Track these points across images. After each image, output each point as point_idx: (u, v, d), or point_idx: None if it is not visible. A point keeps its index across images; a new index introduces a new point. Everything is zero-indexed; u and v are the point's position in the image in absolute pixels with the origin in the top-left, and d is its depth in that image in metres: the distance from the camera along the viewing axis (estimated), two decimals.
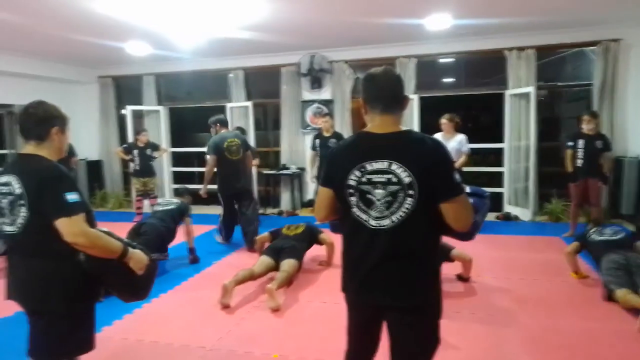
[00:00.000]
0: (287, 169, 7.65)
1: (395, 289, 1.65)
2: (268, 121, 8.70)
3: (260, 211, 6.98)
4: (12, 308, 1.95)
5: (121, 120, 8.51)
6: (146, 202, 7.23)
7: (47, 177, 1.76)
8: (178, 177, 8.70)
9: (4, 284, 1.92)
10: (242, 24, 5.45)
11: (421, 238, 1.63)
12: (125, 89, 8.84)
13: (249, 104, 7.83)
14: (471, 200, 1.71)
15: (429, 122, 6.57)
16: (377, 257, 1.63)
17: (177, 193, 5.31)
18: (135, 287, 2.00)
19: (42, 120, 1.86)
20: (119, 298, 2.05)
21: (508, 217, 6.80)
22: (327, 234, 4.32)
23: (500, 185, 7.11)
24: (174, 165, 8.68)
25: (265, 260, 4.07)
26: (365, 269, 1.67)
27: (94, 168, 8.63)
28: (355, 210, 1.66)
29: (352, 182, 1.64)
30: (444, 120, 5.88)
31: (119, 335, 3.15)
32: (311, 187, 7.53)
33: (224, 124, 5.53)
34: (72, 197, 1.72)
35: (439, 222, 1.62)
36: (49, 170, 1.79)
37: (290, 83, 7.68)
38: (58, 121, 1.90)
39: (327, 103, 7.57)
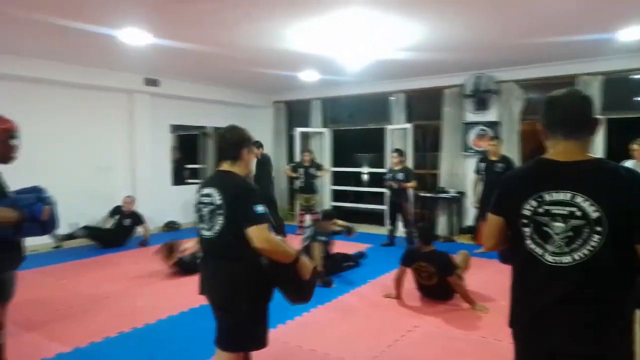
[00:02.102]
0: (446, 192, 7.43)
1: (575, 333, 1.47)
2: (427, 143, 8.62)
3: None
4: (198, 301, 2.27)
5: (290, 140, 9.32)
6: (307, 217, 7.76)
7: (241, 191, 2.06)
8: (337, 196, 9.15)
9: (198, 281, 2.25)
10: (403, 45, 5.49)
11: (609, 279, 1.44)
12: (295, 112, 9.66)
13: (409, 126, 7.88)
14: None
15: (616, 148, 5.72)
16: (555, 297, 1.48)
17: (323, 215, 5.55)
18: (302, 290, 2.22)
19: (235, 143, 2.18)
20: (288, 299, 2.26)
21: None
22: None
23: None
24: (334, 184, 9.15)
25: None
26: (539, 307, 1.53)
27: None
28: (528, 242, 1.54)
29: (526, 212, 1.54)
30: (635, 146, 5.06)
31: (282, 339, 3.41)
32: (471, 213, 7.17)
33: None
34: (259, 208, 1.99)
35: (635, 262, 1.41)
36: (242, 186, 2.09)
37: (453, 105, 7.49)
38: (247, 143, 2.21)
39: (492, 125, 7.17)
